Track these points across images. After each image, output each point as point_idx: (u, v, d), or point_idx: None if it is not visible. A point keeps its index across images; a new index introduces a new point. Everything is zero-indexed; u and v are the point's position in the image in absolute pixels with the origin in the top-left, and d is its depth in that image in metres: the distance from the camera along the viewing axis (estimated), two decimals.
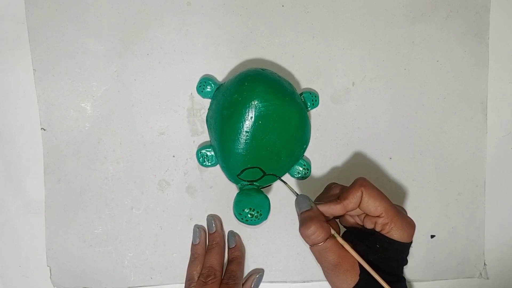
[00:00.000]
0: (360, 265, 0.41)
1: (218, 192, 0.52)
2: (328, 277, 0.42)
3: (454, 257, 0.53)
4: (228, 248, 0.51)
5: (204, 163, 0.50)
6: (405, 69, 0.52)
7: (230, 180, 0.50)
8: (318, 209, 0.42)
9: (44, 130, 0.51)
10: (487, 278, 0.53)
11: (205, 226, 0.52)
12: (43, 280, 0.51)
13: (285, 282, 0.52)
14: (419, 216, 0.52)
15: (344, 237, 0.42)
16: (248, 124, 0.45)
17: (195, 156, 0.50)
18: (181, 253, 0.51)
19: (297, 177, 0.50)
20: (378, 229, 0.41)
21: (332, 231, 0.41)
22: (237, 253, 0.50)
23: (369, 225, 0.42)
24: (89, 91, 0.51)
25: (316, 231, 0.40)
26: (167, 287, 0.52)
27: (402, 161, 0.52)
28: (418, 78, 0.52)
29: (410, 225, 0.41)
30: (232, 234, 0.51)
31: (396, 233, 0.40)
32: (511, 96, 0.53)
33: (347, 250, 0.41)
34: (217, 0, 0.50)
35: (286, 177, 0.50)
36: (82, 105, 0.51)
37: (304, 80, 0.51)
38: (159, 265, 0.51)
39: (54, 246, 0.51)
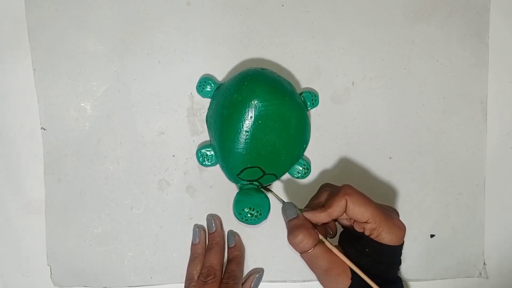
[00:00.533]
0: (352, 269, 0.41)
1: (218, 191, 0.52)
2: (321, 282, 0.42)
3: (454, 257, 0.53)
4: (228, 247, 0.51)
5: (204, 163, 0.50)
6: (405, 69, 0.52)
7: (230, 179, 0.50)
8: (304, 217, 0.43)
9: (44, 130, 0.51)
10: (487, 278, 0.53)
11: (205, 225, 0.52)
12: (44, 280, 0.51)
13: (285, 281, 0.52)
14: (419, 216, 0.52)
15: (339, 238, 0.42)
16: (248, 123, 0.45)
17: (195, 155, 0.50)
18: (181, 253, 0.51)
19: (297, 177, 0.50)
20: (367, 233, 0.41)
21: (320, 237, 0.41)
22: (237, 253, 0.50)
23: (358, 229, 0.42)
24: (89, 91, 0.51)
25: (304, 239, 0.40)
26: (167, 286, 0.52)
27: (402, 161, 0.52)
28: (418, 78, 0.52)
29: (399, 228, 0.41)
30: (231, 233, 0.51)
31: (385, 237, 0.41)
32: (511, 96, 0.53)
33: (336, 255, 0.41)
34: (217, 0, 0.50)
35: (286, 176, 0.50)
36: (82, 105, 0.51)
37: (304, 80, 0.51)
38: (159, 265, 0.51)
39: (54, 245, 0.51)
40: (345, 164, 0.52)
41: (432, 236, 0.52)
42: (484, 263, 0.53)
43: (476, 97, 0.52)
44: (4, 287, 0.52)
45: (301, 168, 0.50)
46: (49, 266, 0.51)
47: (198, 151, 0.50)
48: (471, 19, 0.52)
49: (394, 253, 0.42)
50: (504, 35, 0.53)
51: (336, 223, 0.47)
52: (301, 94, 0.49)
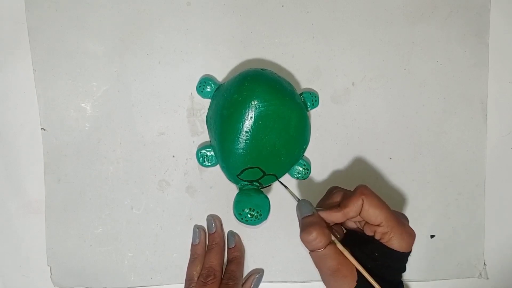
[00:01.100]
0: (358, 272, 0.41)
1: (218, 192, 0.52)
2: (326, 282, 0.42)
3: (454, 257, 0.53)
4: (228, 248, 0.51)
5: (204, 163, 0.50)
6: (405, 69, 0.52)
7: (230, 180, 0.50)
8: (319, 215, 0.42)
9: (44, 130, 0.51)
10: (487, 278, 0.53)
11: (205, 226, 0.52)
12: (43, 280, 0.51)
13: (285, 282, 0.52)
14: (419, 216, 0.52)
15: (344, 239, 0.42)
16: (248, 124, 0.45)
17: (195, 156, 0.50)
18: (181, 253, 0.51)
19: (297, 177, 0.50)
20: (377, 237, 0.41)
21: (333, 238, 0.41)
22: (237, 253, 0.50)
23: (368, 232, 0.42)
24: (89, 91, 0.51)
25: (317, 237, 0.40)
26: (167, 287, 0.52)
27: (402, 161, 0.52)
28: (418, 78, 0.52)
29: (410, 235, 0.41)
30: (231, 234, 0.51)
31: (395, 243, 0.40)
32: (511, 96, 0.53)
33: (346, 257, 0.41)
34: (217, 0, 0.50)
35: (286, 177, 0.50)
36: (82, 105, 0.51)
37: (304, 80, 0.51)
38: (159, 265, 0.51)
39: (54, 246, 0.51)
40: (345, 165, 0.52)
41: (432, 236, 0.52)
42: (484, 263, 0.53)
43: (476, 97, 0.52)
44: (4, 287, 0.52)
45: (301, 169, 0.50)
46: (49, 267, 0.51)
47: (198, 151, 0.50)
48: (471, 19, 0.52)
49: (401, 260, 0.42)
50: (504, 35, 0.53)
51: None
52: (301, 94, 0.49)
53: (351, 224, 0.45)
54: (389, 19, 0.52)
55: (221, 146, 0.47)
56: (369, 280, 0.40)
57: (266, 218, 0.47)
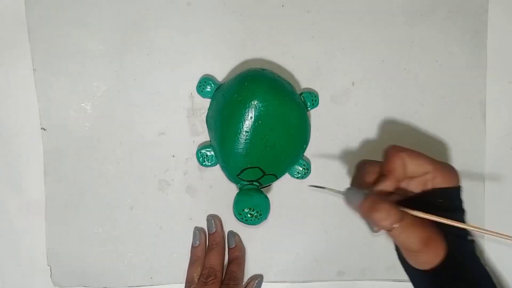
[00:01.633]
0: (442, 228, 0.38)
1: (218, 192, 0.52)
2: (417, 257, 0.38)
3: None
4: (228, 248, 0.51)
5: (204, 163, 0.50)
6: (404, 69, 0.52)
7: (230, 180, 0.50)
8: (375, 193, 0.39)
9: (44, 130, 0.51)
10: None
11: (205, 226, 0.52)
12: (43, 280, 0.51)
13: (285, 282, 0.52)
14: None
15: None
16: (248, 124, 0.45)
17: (195, 156, 0.50)
18: (181, 253, 0.51)
19: (296, 177, 0.50)
20: (429, 186, 0.39)
21: (402, 208, 0.37)
22: (237, 254, 0.50)
23: (417, 188, 0.40)
24: (89, 91, 0.51)
25: (390, 210, 0.36)
26: (167, 287, 0.52)
27: None
28: (417, 78, 0.52)
29: (453, 170, 0.40)
30: (232, 234, 0.51)
31: (447, 179, 0.39)
32: (510, 96, 0.53)
33: (426, 219, 0.37)
34: (217, 0, 0.51)
35: (286, 177, 0.50)
36: (82, 105, 0.51)
37: (304, 80, 0.51)
38: (159, 265, 0.51)
39: (54, 245, 0.51)
40: (345, 164, 0.52)
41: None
42: (484, 263, 0.53)
43: (475, 97, 0.53)
44: (4, 287, 0.52)
45: (301, 169, 0.50)
46: (49, 266, 0.51)
47: (198, 151, 0.50)
48: (470, 20, 0.52)
49: (459, 195, 0.40)
50: (502, 36, 0.53)
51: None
52: (301, 94, 0.49)
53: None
54: (389, 20, 0.52)
55: (221, 146, 0.47)
56: (457, 225, 0.37)
57: (266, 218, 0.47)
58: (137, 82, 0.51)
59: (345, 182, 0.49)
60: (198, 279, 0.48)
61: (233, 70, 0.51)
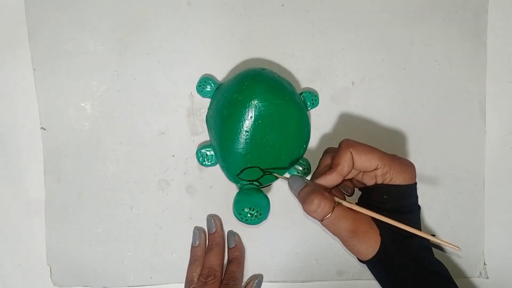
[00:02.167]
0: (378, 223, 0.40)
1: (218, 191, 0.52)
2: (350, 247, 0.41)
3: (454, 257, 0.53)
4: (228, 248, 0.51)
5: (204, 163, 0.50)
6: (404, 69, 0.52)
7: (229, 179, 0.50)
8: (314, 183, 0.41)
9: (44, 129, 0.51)
10: (487, 278, 0.53)
11: (205, 226, 0.52)
12: (43, 279, 0.51)
13: (285, 281, 0.52)
14: None
15: (359, 201, 0.41)
16: (248, 123, 0.45)
17: (195, 155, 0.50)
18: (181, 253, 0.51)
19: None
20: (379, 181, 0.41)
21: (336, 199, 0.40)
22: (237, 253, 0.50)
23: (369, 181, 0.41)
24: (89, 91, 0.51)
25: (320, 202, 0.38)
26: (167, 286, 0.52)
27: None
28: (417, 78, 0.52)
29: (408, 166, 0.41)
30: (231, 234, 0.51)
31: (398, 178, 0.40)
32: (510, 96, 0.53)
33: (358, 212, 0.40)
34: (217, 0, 0.51)
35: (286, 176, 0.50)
36: (82, 104, 0.51)
37: (304, 80, 0.51)
38: (159, 265, 0.51)
39: (54, 245, 0.51)
40: None
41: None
42: (484, 263, 0.53)
43: (474, 97, 0.53)
44: (4, 287, 0.52)
45: (301, 168, 0.50)
46: (49, 266, 0.51)
47: (198, 151, 0.50)
48: (469, 20, 0.52)
49: (411, 194, 0.41)
50: (502, 36, 0.53)
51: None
52: (301, 94, 0.49)
53: (358, 184, 0.44)
54: (389, 19, 0.52)
55: (221, 146, 0.47)
56: (388, 221, 0.39)
57: (266, 217, 0.47)
58: (137, 82, 0.51)
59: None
60: (198, 278, 0.48)
61: (233, 70, 0.51)
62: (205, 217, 0.52)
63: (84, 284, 0.51)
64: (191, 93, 0.51)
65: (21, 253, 0.52)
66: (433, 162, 0.52)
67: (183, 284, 0.49)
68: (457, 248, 0.39)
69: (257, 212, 0.46)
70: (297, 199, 0.42)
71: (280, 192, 0.52)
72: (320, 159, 0.45)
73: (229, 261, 0.50)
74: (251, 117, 0.45)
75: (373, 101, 0.52)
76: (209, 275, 0.47)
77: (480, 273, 0.53)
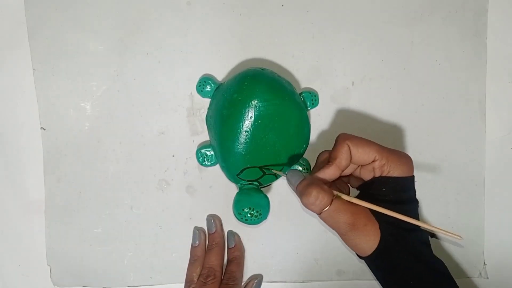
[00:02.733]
0: (377, 216, 0.40)
1: (217, 191, 0.52)
2: (349, 241, 0.41)
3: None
4: (228, 248, 0.51)
5: (204, 163, 0.50)
6: (404, 69, 0.52)
7: (229, 179, 0.50)
8: (312, 177, 0.41)
9: (44, 129, 0.51)
10: (487, 278, 0.53)
11: (205, 226, 0.52)
12: (43, 279, 0.51)
13: (285, 281, 0.52)
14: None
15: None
16: (248, 123, 0.45)
17: (194, 155, 0.50)
18: (181, 253, 0.51)
19: None
20: (377, 174, 0.41)
21: (335, 192, 0.40)
22: (237, 253, 0.50)
23: (367, 175, 0.42)
24: (89, 91, 0.51)
25: (318, 195, 0.38)
26: (167, 286, 0.52)
27: None
28: (417, 78, 0.52)
29: (406, 158, 0.41)
30: (231, 234, 0.51)
31: (396, 170, 0.40)
32: (510, 96, 0.53)
33: (357, 205, 0.40)
34: (217, 0, 0.51)
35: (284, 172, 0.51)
36: (82, 104, 0.51)
37: (304, 80, 0.51)
38: (159, 265, 0.51)
39: (54, 245, 0.51)
40: None
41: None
42: (484, 263, 0.53)
43: (474, 97, 0.53)
44: (4, 287, 0.52)
45: (301, 168, 0.50)
46: (48, 266, 0.51)
47: (198, 151, 0.50)
48: (470, 19, 0.52)
49: (409, 186, 0.41)
50: (502, 36, 0.53)
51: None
52: (301, 94, 0.49)
53: (355, 182, 0.45)
54: (389, 19, 0.52)
55: (221, 146, 0.47)
56: (387, 213, 0.39)
57: (265, 217, 0.47)
58: (137, 81, 0.51)
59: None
60: (198, 278, 0.48)
61: (233, 70, 0.51)
62: (205, 217, 0.52)
63: (84, 284, 0.51)
64: (191, 93, 0.51)
65: (21, 253, 0.52)
66: (433, 162, 0.52)
67: (183, 284, 0.49)
68: (459, 237, 0.38)
69: (257, 212, 0.46)
70: (295, 193, 0.42)
71: (280, 192, 0.52)
72: (317, 156, 0.46)
73: (229, 261, 0.50)
74: (251, 117, 0.45)
75: (373, 101, 0.52)
76: (209, 275, 0.47)
77: (480, 273, 0.53)
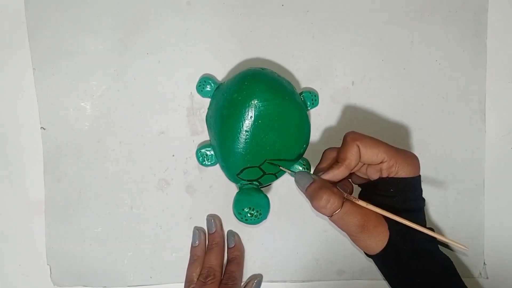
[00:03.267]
0: (386, 217, 0.40)
1: (217, 191, 0.52)
2: (359, 241, 0.41)
3: (454, 257, 0.53)
4: (228, 248, 0.51)
5: (204, 163, 0.50)
6: (404, 68, 0.52)
7: (229, 179, 0.50)
8: (322, 179, 0.41)
9: (44, 129, 0.51)
10: (487, 278, 0.53)
11: (205, 225, 0.52)
12: (43, 279, 0.51)
13: (285, 281, 0.52)
14: None
15: (360, 197, 0.42)
16: (248, 123, 0.45)
17: (194, 155, 0.50)
18: (181, 253, 0.51)
19: None
20: (384, 174, 0.41)
21: (345, 194, 0.40)
22: (236, 253, 0.50)
23: (374, 175, 0.42)
24: (89, 91, 0.51)
25: (329, 198, 0.39)
26: (167, 286, 0.52)
27: None
28: (417, 78, 0.52)
29: (413, 158, 0.41)
30: (231, 234, 0.51)
31: (403, 171, 0.40)
32: (510, 96, 0.53)
33: (366, 208, 0.40)
34: (217, 0, 0.51)
35: (286, 176, 0.50)
36: (82, 104, 0.51)
37: (304, 79, 0.51)
38: (159, 265, 0.51)
39: (54, 245, 0.51)
40: None
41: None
42: (484, 263, 0.53)
43: (474, 97, 0.53)
44: (4, 286, 0.52)
45: (301, 168, 0.50)
46: (48, 266, 0.51)
47: (198, 150, 0.50)
48: (469, 19, 0.52)
49: (416, 186, 0.42)
50: (501, 36, 0.53)
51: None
52: (301, 94, 0.49)
53: (359, 179, 0.45)
54: (389, 19, 0.52)
55: (221, 146, 0.47)
56: (396, 219, 0.39)
57: (265, 217, 0.47)
58: (137, 81, 0.51)
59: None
60: (197, 278, 0.48)
61: (233, 70, 0.51)
62: (205, 217, 0.52)
63: (84, 284, 0.51)
64: (191, 93, 0.51)
65: (21, 253, 0.52)
66: (433, 162, 0.52)
67: (183, 284, 0.49)
68: (465, 248, 0.39)
69: (257, 212, 0.46)
70: (304, 195, 0.42)
71: (280, 192, 0.52)
72: (323, 154, 0.45)
73: (228, 261, 0.50)
74: (251, 116, 0.45)
75: (373, 101, 0.52)
76: (209, 275, 0.47)
77: (480, 273, 0.53)
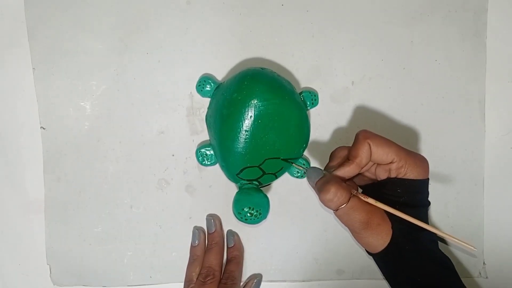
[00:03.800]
0: (390, 216, 0.40)
1: (217, 191, 0.52)
2: (361, 238, 0.41)
3: (454, 257, 0.53)
4: (227, 247, 0.51)
5: (204, 162, 0.50)
6: (404, 68, 0.52)
7: (229, 179, 0.50)
8: (332, 174, 0.41)
9: (44, 129, 0.51)
10: (486, 277, 0.53)
11: (204, 225, 0.52)
12: (43, 279, 0.51)
13: (284, 281, 0.52)
14: None
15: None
16: (247, 123, 0.45)
17: (194, 155, 0.50)
18: (181, 252, 0.51)
19: (296, 176, 0.50)
20: (393, 175, 0.41)
21: (352, 190, 0.40)
22: (236, 253, 0.50)
23: (383, 174, 0.42)
24: (89, 90, 0.51)
25: (337, 192, 0.39)
26: (166, 286, 0.52)
27: None
28: (417, 78, 0.52)
29: (423, 161, 0.42)
30: (231, 233, 0.51)
31: (412, 173, 0.40)
32: (509, 96, 0.53)
33: (372, 205, 0.40)
34: (217, 0, 0.51)
35: (286, 176, 0.50)
36: (82, 104, 0.51)
37: (304, 79, 0.51)
38: (159, 264, 0.51)
39: (54, 244, 0.51)
40: None
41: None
42: (483, 262, 0.53)
43: (474, 97, 0.53)
44: (4, 286, 0.52)
45: (300, 168, 0.50)
46: (48, 265, 0.51)
47: (198, 150, 0.50)
48: (469, 19, 0.52)
49: (423, 189, 0.42)
50: (501, 36, 0.53)
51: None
52: (301, 93, 0.49)
53: (361, 181, 0.45)
54: (388, 19, 0.52)
55: (221, 145, 0.47)
56: (400, 215, 0.39)
57: (265, 217, 0.47)
58: (137, 81, 0.51)
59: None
60: (197, 278, 0.48)
61: (232, 69, 0.51)
62: (205, 217, 0.52)
63: (84, 284, 0.51)
64: (190, 92, 0.51)
65: (21, 252, 0.52)
66: (433, 162, 0.52)
67: (183, 284, 0.49)
68: (474, 249, 0.40)
69: (257, 211, 0.46)
70: (314, 190, 0.42)
71: (280, 191, 0.52)
72: (333, 152, 0.46)
73: (228, 261, 0.50)
74: (250, 116, 0.45)
75: (372, 100, 0.52)
76: (208, 275, 0.47)
77: (480, 273, 0.53)
